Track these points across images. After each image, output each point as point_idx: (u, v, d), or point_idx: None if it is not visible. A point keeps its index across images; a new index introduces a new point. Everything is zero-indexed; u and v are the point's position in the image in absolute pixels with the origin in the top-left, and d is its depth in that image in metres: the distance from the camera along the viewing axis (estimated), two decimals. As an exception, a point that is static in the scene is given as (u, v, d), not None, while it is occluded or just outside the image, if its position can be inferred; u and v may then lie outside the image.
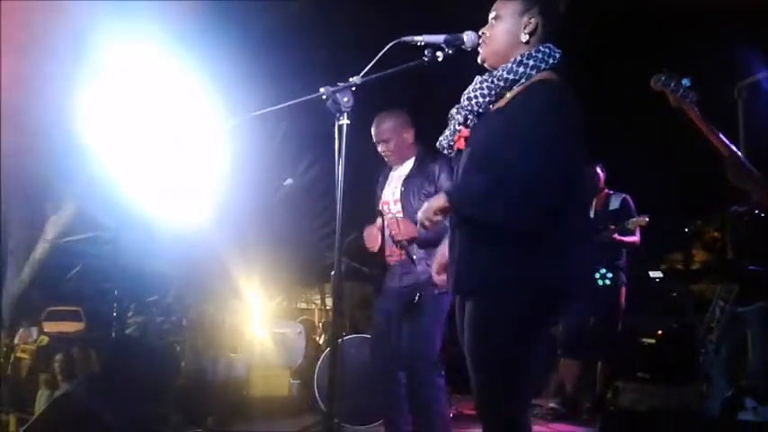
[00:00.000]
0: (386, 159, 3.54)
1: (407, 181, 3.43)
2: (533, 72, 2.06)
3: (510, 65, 2.08)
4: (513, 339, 1.99)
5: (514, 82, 2.07)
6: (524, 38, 2.12)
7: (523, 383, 2.07)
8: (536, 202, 1.92)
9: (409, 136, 3.50)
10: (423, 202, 3.23)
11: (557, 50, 2.11)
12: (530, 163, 1.92)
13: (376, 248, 3.51)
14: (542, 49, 2.09)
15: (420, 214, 2.08)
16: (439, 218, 2.04)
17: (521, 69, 2.06)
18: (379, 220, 3.52)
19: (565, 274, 2.01)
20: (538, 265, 1.97)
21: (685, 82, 2.87)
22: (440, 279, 2.48)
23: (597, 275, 4.91)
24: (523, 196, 1.92)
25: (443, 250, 2.44)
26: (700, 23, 6.02)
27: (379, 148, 3.52)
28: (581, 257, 2.10)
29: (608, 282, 4.92)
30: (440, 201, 2.04)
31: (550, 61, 2.08)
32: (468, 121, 2.14)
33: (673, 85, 2.87)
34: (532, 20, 2.11)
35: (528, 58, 2.07)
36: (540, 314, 2.03)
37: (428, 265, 3.28)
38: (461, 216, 2.07)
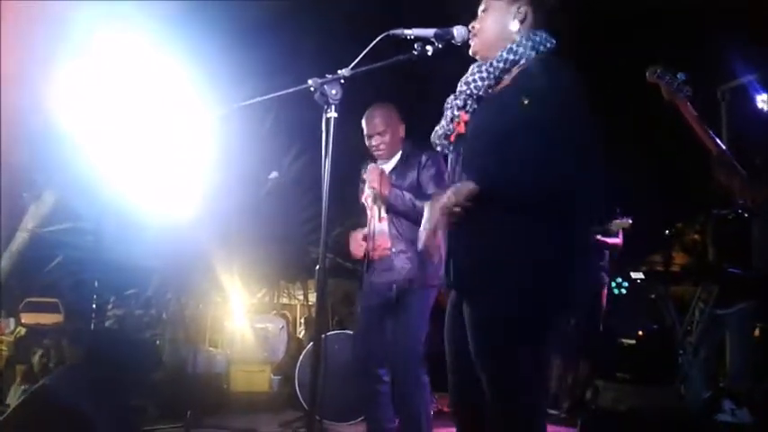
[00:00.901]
0: (376, 153, 3.49)
1: (392, 175, 3.42)
2: (532, 53, 2.05)
3: (509, 45, 2.06)
4: (528, 337, 1.92)
5: (514, 62, 2.05)
6: (515, 26, 2.10)
7: (539, 382, 2.00)
8: (566, 181, 1.88)
9: (401, 130, 3.49)
10: (405, 191, 3.27)
11: (552, 38, 2.10)
12: (558, 141, 1.89)
13: (360, 256, 3.50)
14: (539, 33, 2.08)
15: (449, 198, 1.90)
16: (469, 204, 1.90)
17: (520, 50, 2.05)
18: (364, 230, 3.50)
19: (575, 271, 1.96)
20: (551, 261, 1.91)
21: (681, 76, 2.88)
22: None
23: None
24: (554, 174, 1.88)
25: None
26: (684, 26, 6.06)
27: (372, 142, 3.47)
28: (587, 255, 2.07)
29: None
30: (469, 185, 1.90)
31: (548, 45, 2.07)
32: (468, 106, 2.11)
33: (668, 78, 2.87)
34: (522, 8, 2.10)
35: (527, 40, 2.06)
36: (552, 311, 1.98)
37: (408, 260, 3.28)
38: (494, 202, 1.92)
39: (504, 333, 1.93)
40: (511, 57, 2.05)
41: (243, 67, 5.16)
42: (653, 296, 5.57)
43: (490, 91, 2.09)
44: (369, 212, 3.49)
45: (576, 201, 1.92)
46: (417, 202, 3.20)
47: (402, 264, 3.30)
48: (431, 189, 3.24)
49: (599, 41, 6.47)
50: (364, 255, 3.48)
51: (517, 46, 2.05)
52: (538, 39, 2.07)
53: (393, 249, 3.35)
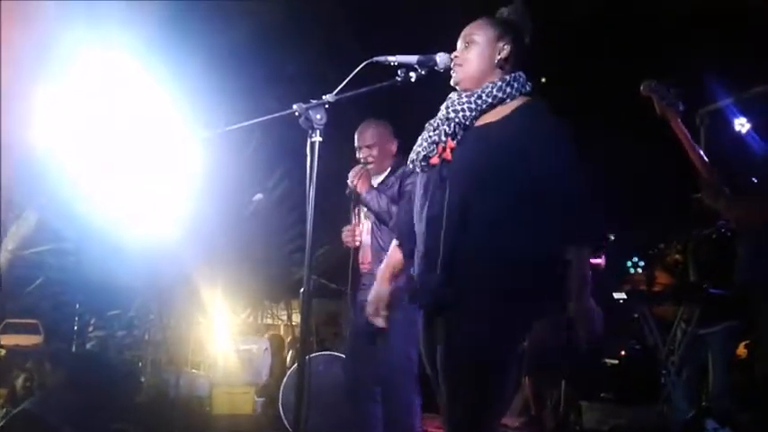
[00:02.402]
0: (367, 168, 3.49)
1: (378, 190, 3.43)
2: (517, 94, 2.16)
3: (499, 83, 2.15)
4: (499, 354, 2.03)
5: (502, 101, 2.14)
6: (499, 63, 2.19)
7: (503, 402, 2.11)
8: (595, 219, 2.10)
9: (392, 146, 3.51)
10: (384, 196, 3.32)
11: (527, 81, 2.23)
12: (575, 182, 2.08)
13: (355, 243, 3.48)
14: (521, 75, 2.20)
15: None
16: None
17: (508, 89, 2.15)
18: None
19: (547, 289, 2.06)
20: (527, 278, 2.02)
21: (675, 91, 2.89)
22: (377, 321, 2.50)
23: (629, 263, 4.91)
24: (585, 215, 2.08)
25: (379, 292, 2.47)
26: (663, 49, 6.15)
27: (361, 154, 3.49)
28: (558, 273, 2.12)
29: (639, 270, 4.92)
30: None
31: (527, 88, 2.19)
32: (457, 134, 2.16)
33: (661, 92, 2.87)
34: (506, 47, 2.19)
35: (514, 81, 2.17)
36: (522, 329, 2.08)
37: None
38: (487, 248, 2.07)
39: (476, 355, 2.01)
40: (500, 95, 2.14)
41: (227, 90, 5.18)
42: (636, 315, 5.61)
43: (473, 122, 2.16)
44: (358, 226, 3.50)
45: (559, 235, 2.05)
46: (393, 208, 3.22)
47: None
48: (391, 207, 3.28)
49: (579, 62, 6.56)
50: (352, 268, 3.47)
51: (506, 85, 2.16)
52: (522, 80, 2.19)
53: (376, 264, 3.34)
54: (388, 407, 3.28)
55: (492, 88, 2.15)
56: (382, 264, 2.56)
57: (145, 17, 4.65)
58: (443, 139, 2.16)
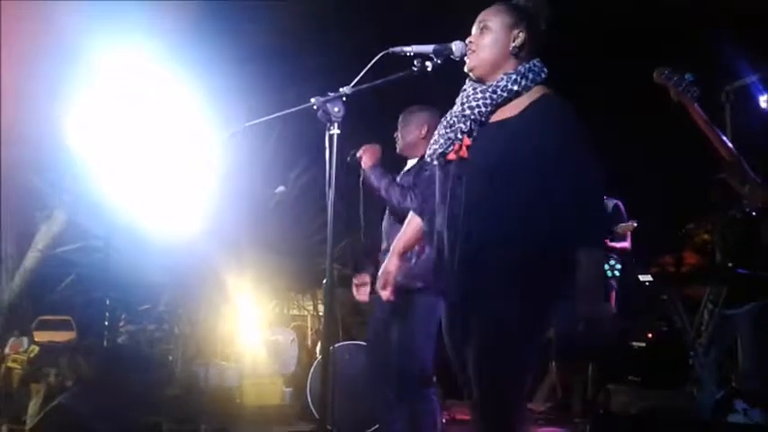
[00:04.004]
0: (397, 145, 3.53)
1: (401, 178, 3.46)
2: (532, 85, 2.14)
3: (514, 76, 2.13)
4: (523, 341, 2.07)
5: (518, 94, 2.12)
6: (514, 51, 2.17)
7: (524, 387, 2.13)
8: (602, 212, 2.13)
9: (424, 132, 3.42)
10: (387, 175, 3.34)
11: (544, 67, 2.19)
12: (589, 182, 2.07)
13: (365, 300, 3.59)
14: (537, 64, 2.18)
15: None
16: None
17: (524, 82, 2.13)
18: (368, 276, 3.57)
19: (564, 281, 2.06)
20: (548, 268, 2.05)
21: (688, 77, 2.84)
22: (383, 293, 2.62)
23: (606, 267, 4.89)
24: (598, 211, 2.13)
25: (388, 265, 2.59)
26: (687, 27, 6.06)
27: (398, 132, 3.53)
28: None
29: (617, 273, 4.91)
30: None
31: (543, 76, 2.17)
32: (472, 132, 2.16)
33: (675, 78, 2.82)
34: (521, 34, 2.17)
35: (528, 71, 2.14)
36: (538, 323, 2.11)
37: (409, 262, 3.29)
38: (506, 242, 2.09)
39: (504, 335, 2.04)
40: (515, 88, 2.12)
41: (248, 87, 5.22)
42: (664, 297, 5.56)
43: (489, 117, 2.15)
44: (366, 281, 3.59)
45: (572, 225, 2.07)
46: (391, 189, 3.26)
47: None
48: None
49: (603, 42, 6.49)
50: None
51: (521, 77, 2.13)
52: (537, 69, 2.16)
53: (383, 249, 3.39)
54: (404, 398, 3.30)
55: (507, 81, 2.13)
56: (397, 237, 2.60)
57: (167, 17, 4.70)
58: (459, 137, 2.16)
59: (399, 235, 2.67)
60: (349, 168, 3.42)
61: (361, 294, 3.60)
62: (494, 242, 2.07)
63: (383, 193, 3.30)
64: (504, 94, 2.12)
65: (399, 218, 3.31)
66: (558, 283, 2.06)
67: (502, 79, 2.13)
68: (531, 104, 2.12)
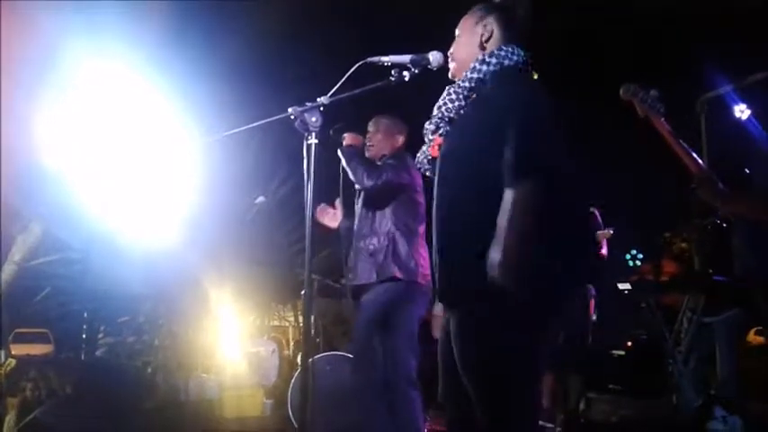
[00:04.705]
0: (366, 150, 3.59)
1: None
2: (497, 68, 2.05)
3: (473, 64, 2.07)
4: (517, 346, 1.87)
5: (481, 81, 2.06)
6: (482, 45, 2.13)
7: (532, 393, 1.95)
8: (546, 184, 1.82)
9: (395, 140, 3.60)
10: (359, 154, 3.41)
11: (522, 52, 2.09)
12: (527, 148, 1.85)
13: (330, 223, 3.66)
14: (504, 48, 2.08)
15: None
16: None
17: (484, 68, 2.06)
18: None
19: (560, 282, 1.92)
20: (535, 270, 1.82)
21: (654, 93, 2.87)
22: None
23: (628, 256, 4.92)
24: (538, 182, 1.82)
25: None
26: (663, 37, 6.14)
27: (367, 137, 3.61)
28: (573, 268, 1.98)
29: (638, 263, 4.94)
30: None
31: (514, 58, 2.06)
32: (441, 129, 2.13)
33: (641, 94, 2.86)
34: (487, 26, 2.14)
35: (490, 56, 2.07)
36: (543, 319, 1.92)
37: (366, 260, 3.33)
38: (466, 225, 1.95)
39: (499, 341, 1.87)
40: (475, 75, 2.06)
41: (228, 96, 5.21)
42: (643, 305, 5.61)
43: (462, 112, 2.10)
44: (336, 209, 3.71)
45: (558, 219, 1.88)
46: (359, 166, 3.33)
47: (362, 265, 3.38)
48: None
49: (580, 53, 6.55)
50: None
51: (480, 64, 2.06)
52: (503, 53, 2.06)
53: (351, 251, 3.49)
54: (392, 405, 3.30)
55: (467, 72, 2.08)
56: None
57: (145, 26, 4.68)
58: (430, 137, 2.16)
59: None
60: (330, 141, 3.45)
61: (326, 217, 3.68)
62: (459, 243, 1.97)
63: (349, 167, 3.36)
64: (467, 84, 2.07)
65: (371, 213, 3.37)
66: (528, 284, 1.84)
67: (465, 72, 2.10)
68: (490, 89, 2.04)
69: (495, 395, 1.90)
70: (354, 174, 3.32)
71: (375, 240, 3.35)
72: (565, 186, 1.88)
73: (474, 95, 2.09)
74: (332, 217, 3.68)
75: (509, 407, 1.88)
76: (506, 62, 2.05)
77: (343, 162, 3.38)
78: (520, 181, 1.83)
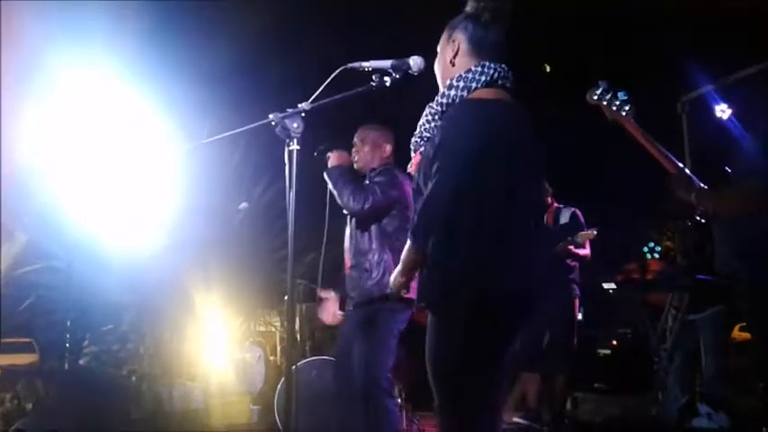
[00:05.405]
0: (353, 161, 3.54)
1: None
2: (464, 93, 2.06)
3: (442, 90, 2.10)
4: (459, 356, 2.00)
5: (450, 105, 2.08)
6: (452, 62, 2.15)
7: (476, 402, 2.04)
8: (444, 221, 1.96)
9: (383, 150, 3.50)
10: (346, 174, 3.34)
11: (493, 66, 2.09)
12: (445, 181, 1.96)
13: (330, 321, 3.60)
14: (473, 69, 2.08)
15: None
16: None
17: (452, 93, 2.07)
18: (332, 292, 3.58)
19: (515, 288, 2.00)
20: (486, 279, 1.97)
21: (621, 95, 2.83)
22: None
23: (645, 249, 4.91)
24: (435, 216, 1.98)
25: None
26: (643, 38, 6.18)
27: (353, 149, 3.54)
28: (534, 271, 2.07)
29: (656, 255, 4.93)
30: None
31: (482, 79, 2.07)
32: (421, 148, 2.16)
33: (608, 98, 2.81)
34: (455, 42, 2.15)
35: (458, 80, 2.08)
36: (491, 328, 2.01)
37: (357, 276, 3.31)
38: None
39: (446, 349, 2.02)
40: (444, 100, 2.09)
41: (211, 103, 5.20)
42: (627, 305, 5.65)
43: (434, 132, 2.12)
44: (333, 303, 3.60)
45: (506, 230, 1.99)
46: (345, 188, 3.24)
47: (353, 280, 3.35)
48: None
49: (566, 54, 6.58)
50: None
51: (448, 89, 2.08)
52: (470, 75, 2.07)
53: (348, 264, 3.41)
54: (369, 408, 3.29)
55: (438, 97, 2.11)
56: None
57: (129, 33, 4.66)
58: (412, 155, 2.20)
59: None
60: (314, 162, 3.38)
61: (327, 314, 3.58)
62: (429, 256, 2.05)
63: (335, 190, 3.28)
64: (439, 109, 2.10)
65: (361, 231, 3.34)
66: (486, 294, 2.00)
67: (438, 95, 2.12)
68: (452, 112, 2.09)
69: (439, 385, 2.06)
70: (340, 197, 3.24)
71: (369, 257, 3.33)
72: (494, 202, 1.98)
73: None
74: (333, 316, 3.60)
75: (454, 396, 2.04)
76: (474, 84, 2.07)
77: (330, 185, 3.31)
78: (414, 240, 2.05)
